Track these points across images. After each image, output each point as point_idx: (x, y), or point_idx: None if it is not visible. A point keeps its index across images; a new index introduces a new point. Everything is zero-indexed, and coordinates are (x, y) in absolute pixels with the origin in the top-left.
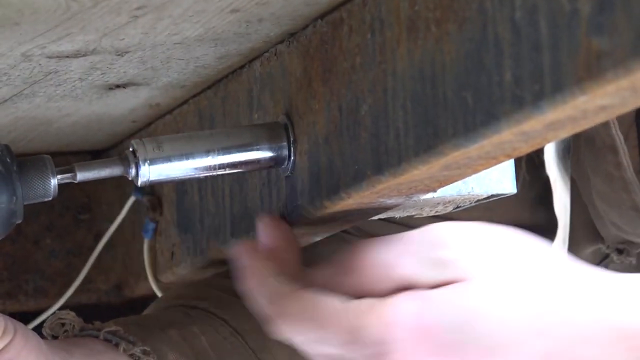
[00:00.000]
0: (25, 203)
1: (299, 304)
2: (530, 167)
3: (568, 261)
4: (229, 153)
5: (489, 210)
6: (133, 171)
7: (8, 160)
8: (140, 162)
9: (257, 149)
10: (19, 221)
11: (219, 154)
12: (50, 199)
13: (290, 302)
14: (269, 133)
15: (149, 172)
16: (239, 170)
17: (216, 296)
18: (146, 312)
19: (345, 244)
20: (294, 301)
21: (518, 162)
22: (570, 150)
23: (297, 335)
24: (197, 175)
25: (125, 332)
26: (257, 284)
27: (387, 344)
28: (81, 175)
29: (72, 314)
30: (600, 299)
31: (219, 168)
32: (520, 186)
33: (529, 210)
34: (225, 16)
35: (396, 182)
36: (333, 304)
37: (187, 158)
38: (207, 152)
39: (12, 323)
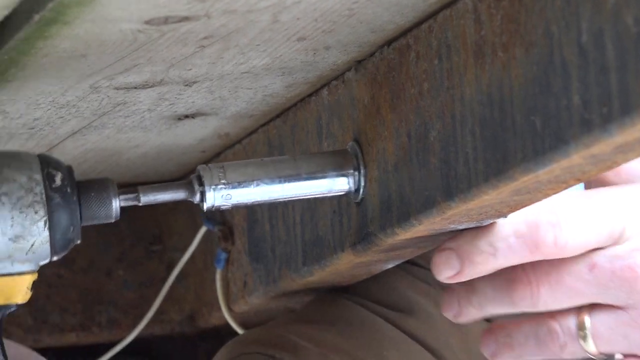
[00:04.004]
0: (88, 224)
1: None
2: None
3: None
4: (297, 180)
5: None
6: (198, 196)
7: (68, 190)
8: (206, 187)
9: (326, 176)
10: (78, 242)
11: (286, 181)
12: (112, 220)
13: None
14: (338, 160)
15: (214, 197)
16: (308, 197)
17: (293, 345)
18: (219, 355)
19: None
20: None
21: None
22: None
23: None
24: (263, 202)
25: None
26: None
27: None
28: (145, 198)
29: None
30: None
31: (287, 195)
32: None
33: None
34: (291, 45)
35: (466, 207)
36: None
37: (254, 184)
38: (274, 178)
39: None
